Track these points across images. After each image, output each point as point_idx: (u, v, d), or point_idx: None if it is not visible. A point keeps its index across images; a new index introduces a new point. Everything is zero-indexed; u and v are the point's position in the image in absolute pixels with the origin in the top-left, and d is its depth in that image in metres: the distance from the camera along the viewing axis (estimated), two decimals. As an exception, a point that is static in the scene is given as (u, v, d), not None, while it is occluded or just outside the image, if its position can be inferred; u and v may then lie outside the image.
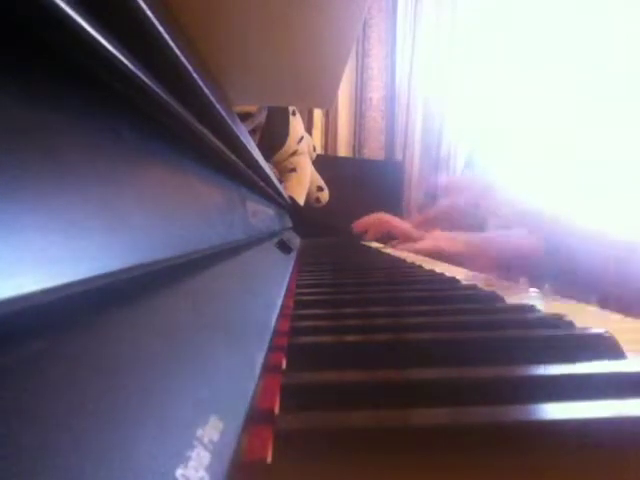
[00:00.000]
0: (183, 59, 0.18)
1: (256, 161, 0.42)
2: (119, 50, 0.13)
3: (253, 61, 0.36)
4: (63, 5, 0.10)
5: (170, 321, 0.13)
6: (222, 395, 0.12)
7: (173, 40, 0.17)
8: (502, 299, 0.31)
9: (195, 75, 0.20)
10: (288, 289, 0.34)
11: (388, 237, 0.82)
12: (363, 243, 1.01)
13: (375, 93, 2.22)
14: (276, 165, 1.48)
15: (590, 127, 1.69)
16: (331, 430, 0.13)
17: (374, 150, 2.24)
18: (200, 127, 0.23)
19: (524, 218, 0.43)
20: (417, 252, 0.56)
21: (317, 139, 2.10)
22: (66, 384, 0.08)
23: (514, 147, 1.96)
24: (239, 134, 0.32)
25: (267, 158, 1.32)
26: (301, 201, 1.53)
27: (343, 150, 2.21)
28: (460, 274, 0.44)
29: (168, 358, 0.11)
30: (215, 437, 0.10)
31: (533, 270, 0.40)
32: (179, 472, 0.08)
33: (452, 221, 0.48)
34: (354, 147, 2.24)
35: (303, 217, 1.30)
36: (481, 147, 2.06)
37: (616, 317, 0.29)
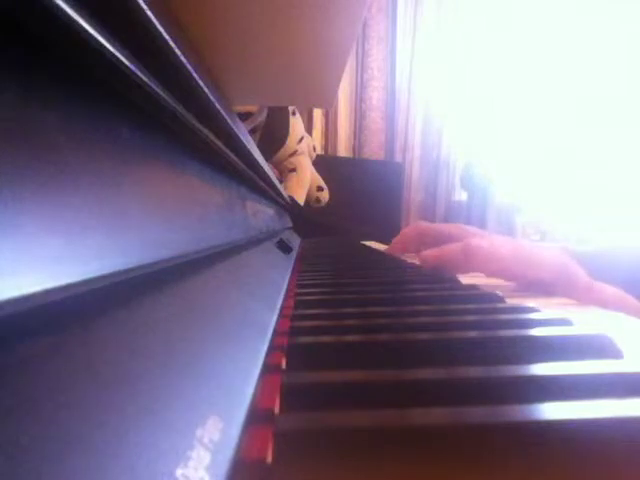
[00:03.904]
0: (183, 59, 0.18)
1: (256, 161, 0.42)
2: (119, 50, 0.13)
3: (253, 61, 0.36)
4: (63, 5, 0.10)
5: (170, 321, 0.13)
6: (222, 395, 0.12)
7: (173, 40, 0.17)
8: (502, 299, 0.31)
9: (195, 75, 0.20)
10: (288, 289, 0.34)
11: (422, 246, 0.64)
12: (363, 243, 1.01)
13: (375, 93, 2.22)
14: (276, 165, 1.48)
15: (590, 130, 1.69)
16: (331, 430, 0.13)
17: (374, 150, 2.24)
18: (200, 127, 0.23)
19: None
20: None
21: (317, 139, 2.10)
22: (66, 384, 0.08)
23: (514, 150, 1.96)
24: (239, 134, 0.32)
25: (267, 158, 1.32)
26: (301, 201, 1.53)
27: (343, 150, 2.21)
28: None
29: (168, 358, 0.11)
30: (215, 437, 0.10)
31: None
32: (179, 472, 0.08)
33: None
34: (354, 147, 2.24)
35: (303, 217, 1.30)
36: (481, 149, 2.06)
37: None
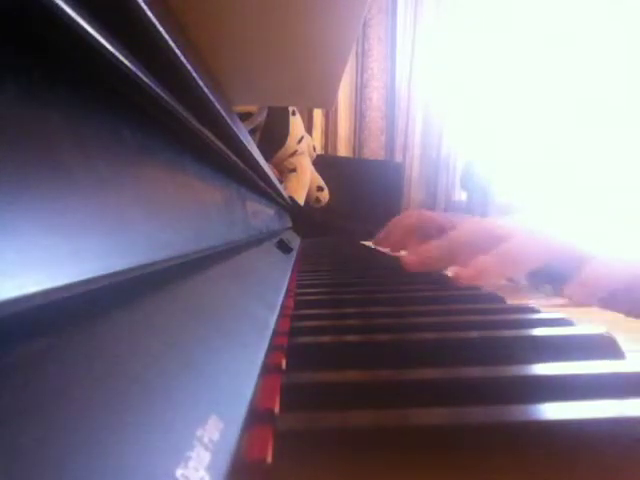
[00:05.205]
0: (183, 59, 0.18)
1: (256, 161, 0.42)
2: (119, 50, 0.13)
3: (253, 61, 0.36)
4: (63, 5, 0.10)
5: (170, 321, 0.13)
6: (222, 395, 0.12)
7: (173, 40, 0.17)
8: (502, 299, 0.31)
9: (195, 75, 0.20)
10: (288, 289, 0.34)
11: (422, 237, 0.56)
12: (363, 243, 1.01)
13: (375, 93, 2.22)
14: (276, 165, 1.48)
15: (591, 130, 1.69)
16: (331, 430, 0.12)
17: (374, 150, 2.24)
18: (200, 127, 0.23)
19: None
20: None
21: (317, 139, 2.10)
22: (66, 384, 0.08)
23: (514, 150, 1.96)
24: (239, 134, 0.32)
25: (267, 158, 1.32)
26: (301, 201, 1.53)
27: (343, 150, 2.21)
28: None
29: (168, 358, 0.11)
30: (215, 437, 0.10)
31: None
32: (179, 472, 0.08)
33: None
34: (354, 147, 2.24)
35: (303, 217, 1.30)
36: (481, 149, 2.06)
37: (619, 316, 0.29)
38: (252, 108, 1.17)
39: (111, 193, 0.13)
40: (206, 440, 0.10)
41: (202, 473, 0.09)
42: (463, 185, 2.05)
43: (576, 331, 0.21)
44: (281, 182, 1.38)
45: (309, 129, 1.99)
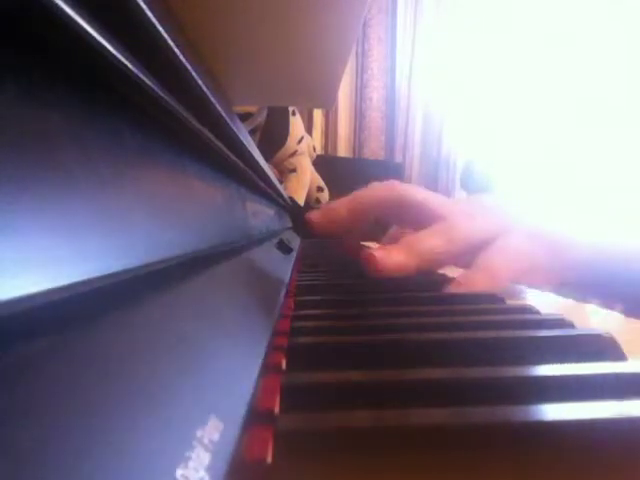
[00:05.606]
0: (183, 59, 0.18)
1: (256, 161, 0.42)
2: (119, 50, 0.13)
3: (253, 61, 0.36)
4: (63, 5, 0.10)
5: (170, 321, 0.13)
6: (222, 395, 0.12)
7: (173, 40, 0.17)
8: (502, 299, 0.31)
9: (195, 75, 0.20)
10: (288, 289, 0.34)
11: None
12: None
13: (375, 93, 2.22)
14: (276, 165, 1.48)
15: (589, 130, 1.69)
16: (331, 430, 0.13)
17: (374, 150, 2.24)
18: (200, 127, 0.23)
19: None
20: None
21: (317, 139, 2.10)
22: (66, 385, 0.08)
23: (514, 149, 1.96)
24: (239, 134, 0.32)
25: (267, 158, 1.32)
26: (301, 201, 1.53)
27: (343, 150, 2.21)
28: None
29: (168, 358, 0.11)
30: (215, 437, 0.10)
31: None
32: (179, 472, 0.08)
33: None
34: (354, 147, 2.24)
35: (303, 217, 1.30)
36: (481, 149, 2.06)
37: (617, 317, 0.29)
38: (252, 108, 1.17)
39: (111, 193, 0.13)
40: (206, 441, 0.10)
41: (202, 473, 0.09)
42: (463, 184, 2.05)
43: (576, 332, 0.21)
44: (281, 182, 1.38)
45: (309, 129, 1.99)
